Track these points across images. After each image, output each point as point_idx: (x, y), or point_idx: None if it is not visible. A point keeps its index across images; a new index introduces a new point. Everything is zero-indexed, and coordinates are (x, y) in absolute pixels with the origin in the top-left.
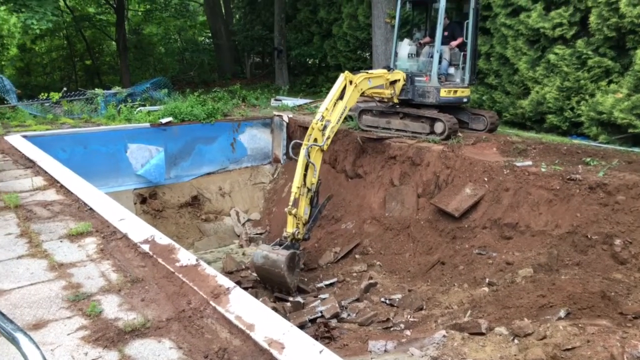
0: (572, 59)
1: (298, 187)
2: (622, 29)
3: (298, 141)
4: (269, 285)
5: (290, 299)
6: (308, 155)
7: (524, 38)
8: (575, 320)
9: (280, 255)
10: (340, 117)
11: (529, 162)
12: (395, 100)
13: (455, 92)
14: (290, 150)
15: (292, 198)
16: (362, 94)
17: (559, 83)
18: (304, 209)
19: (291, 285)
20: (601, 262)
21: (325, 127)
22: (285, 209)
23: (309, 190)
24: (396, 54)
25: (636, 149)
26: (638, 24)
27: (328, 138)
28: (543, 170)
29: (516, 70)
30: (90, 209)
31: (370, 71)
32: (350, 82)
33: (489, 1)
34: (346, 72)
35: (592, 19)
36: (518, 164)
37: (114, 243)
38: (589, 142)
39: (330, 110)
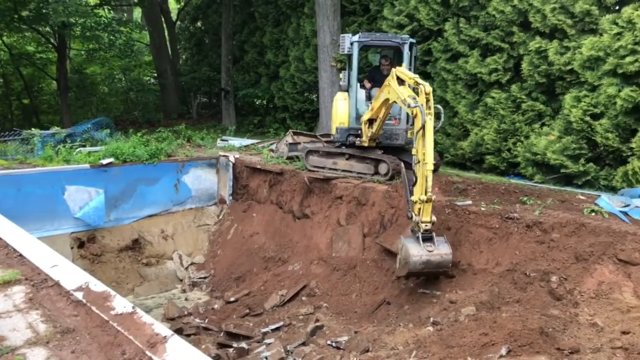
0: (508, 103)
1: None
2: (551, 75)
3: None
4: (417, 277)
5: (235, 344)
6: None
7: (462, 82)
8: (515, 357)
9: (444, 256)
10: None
11: (469, 202)
12: (366, 144)
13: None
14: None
15: (430, 180)
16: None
17: (496, 125)
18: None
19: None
20: (539, 299)
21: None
22: (422, 197)
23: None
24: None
25: (568, 189)
26: (565, 71)
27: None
28: (483, 209)
29: (456, 112)
30: (20, 255)
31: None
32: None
33: (430, 47)
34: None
35: (524, 65)
36: (459, 204)
37: (44, 291)
38: (525, 182)
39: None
